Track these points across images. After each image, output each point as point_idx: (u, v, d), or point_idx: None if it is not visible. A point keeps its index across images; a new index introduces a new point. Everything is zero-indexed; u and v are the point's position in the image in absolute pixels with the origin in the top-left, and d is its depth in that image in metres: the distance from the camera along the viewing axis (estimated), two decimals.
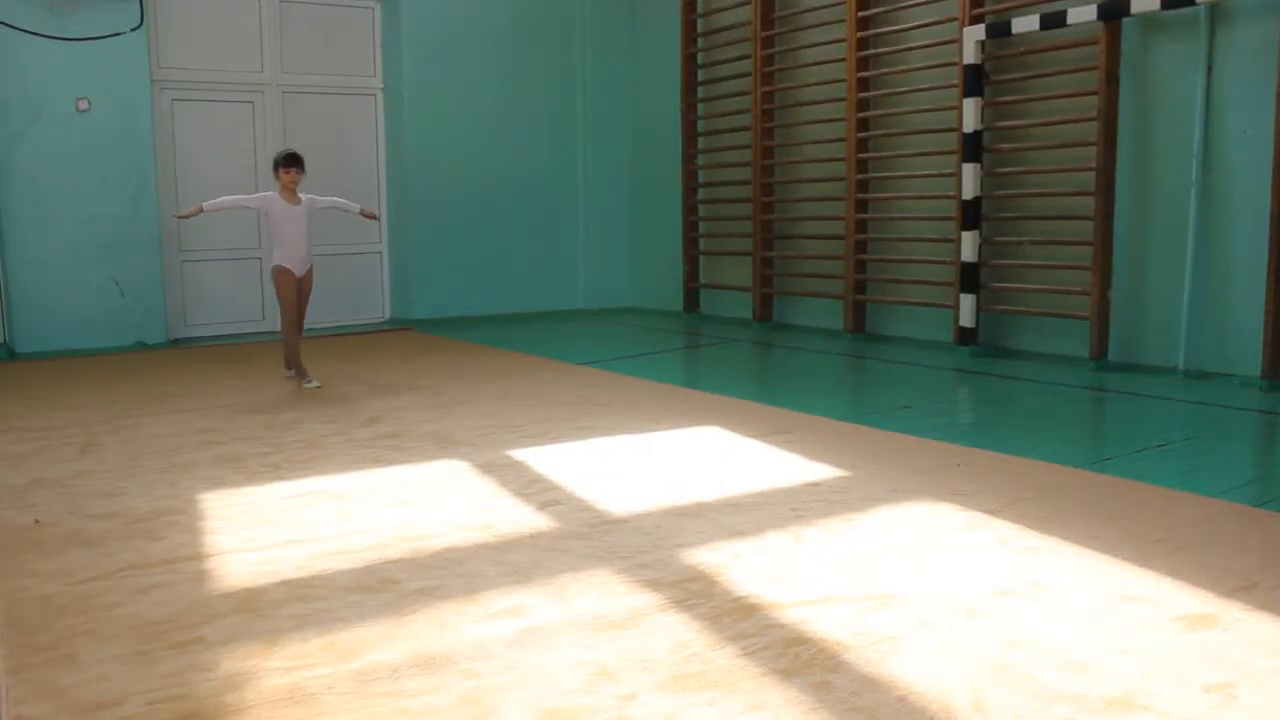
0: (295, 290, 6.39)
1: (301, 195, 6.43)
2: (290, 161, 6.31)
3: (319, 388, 6.25)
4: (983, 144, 7.27)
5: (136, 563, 3.19)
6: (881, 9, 8.07)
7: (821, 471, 4.21)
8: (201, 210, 6.21)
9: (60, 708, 2.26)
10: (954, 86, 7.42)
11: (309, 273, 6.49)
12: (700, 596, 2.86)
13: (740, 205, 9.58)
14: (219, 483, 4.15)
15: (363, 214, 6.70)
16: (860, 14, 8.11)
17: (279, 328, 6.78)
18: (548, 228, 10.46)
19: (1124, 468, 4.24)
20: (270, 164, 6.54)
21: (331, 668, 2.44)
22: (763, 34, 9.00)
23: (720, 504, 3.78)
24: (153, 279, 8.55)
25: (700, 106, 10.03)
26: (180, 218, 6.52)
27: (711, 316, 10.03)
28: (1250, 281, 6.03)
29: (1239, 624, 2.63)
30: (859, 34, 8.13)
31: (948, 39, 7.46)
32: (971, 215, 7.29)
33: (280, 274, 6.38)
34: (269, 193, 6.41)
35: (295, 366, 6.46)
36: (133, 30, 8.30)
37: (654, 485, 4.04)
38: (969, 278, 7.35)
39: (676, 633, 2.62)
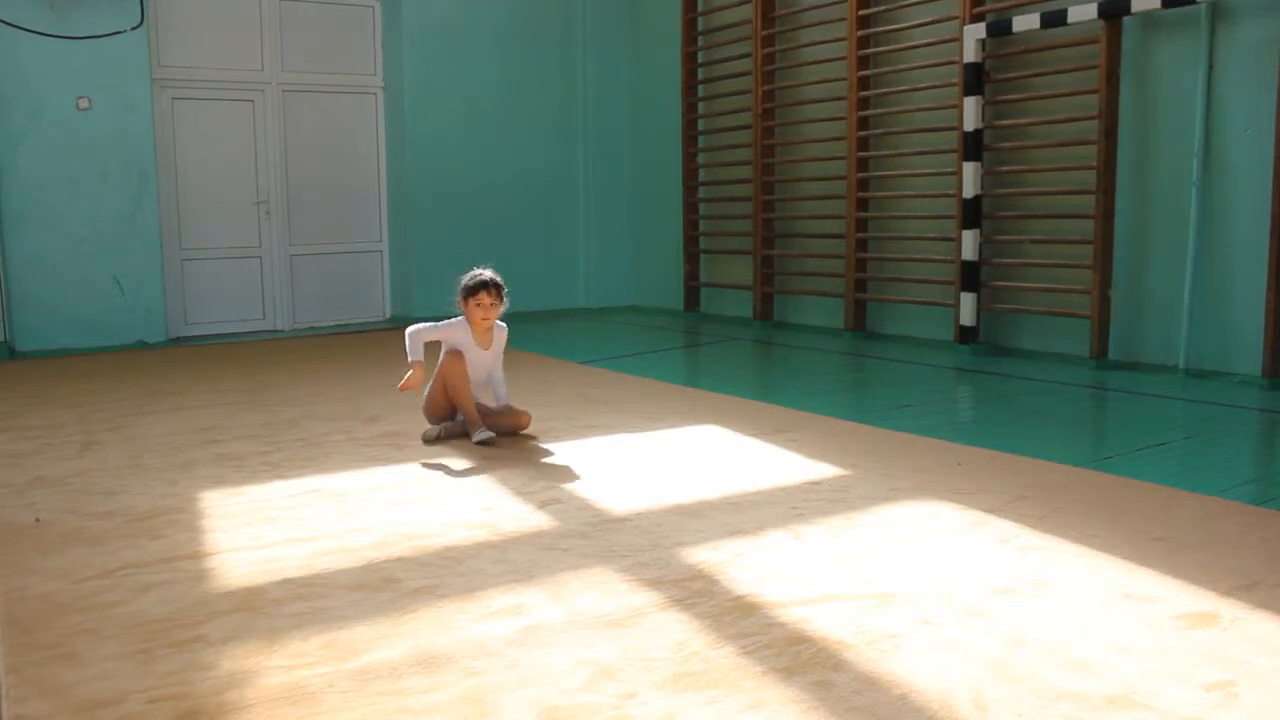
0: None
1: (497, 329, 4.98)
2: (482, 287, 4.82)
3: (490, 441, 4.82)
4: (983, 142, 7.27)
5: (137, 561, 3.19)
6: (882, 7, 8.07)
7: (822, 470, 4.21)
8: (421, 365, 4.79)
9: (61, 706, 2.26)
10: (954, 85, 7.42)
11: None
12: (701, 595, 2.86)
13: (741, 204, 9.58)
14: (219, 481, 4.15)
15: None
16: (860, 13, 8.10)
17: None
18: (548, 226, 10.46)
19: (1124, 466, 4.24)
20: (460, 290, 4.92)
21: (332, 666, 2.44)
22: (763, 33, 8.99)
23: (721, 503, 3.78)
24: (153, 277, 8.55)
25: (700, 106, 10.03)
26: (405, 389, 4.83)
27: (712, 315, 10.03)
28: (1251, 280, 6.03)
29: (1239, 622, 2.63)
30: (859, 33, 8.12)
31: (948, 37, 7.45)
32: (972, 214, 7.29)
33: (431, 389, 4.95)
34: (460, 326, 4.89)
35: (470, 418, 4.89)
36: (133, 29, 8.30)
37: (655, 484, 4.04)
38: (970, 276, 7.34)
39: (677, 631, 2.62)
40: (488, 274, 4.88)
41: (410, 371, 4.78)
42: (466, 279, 4.89)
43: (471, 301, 4.84)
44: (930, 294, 7.92)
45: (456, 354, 4.84)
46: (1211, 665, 2.39)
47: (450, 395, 4.85)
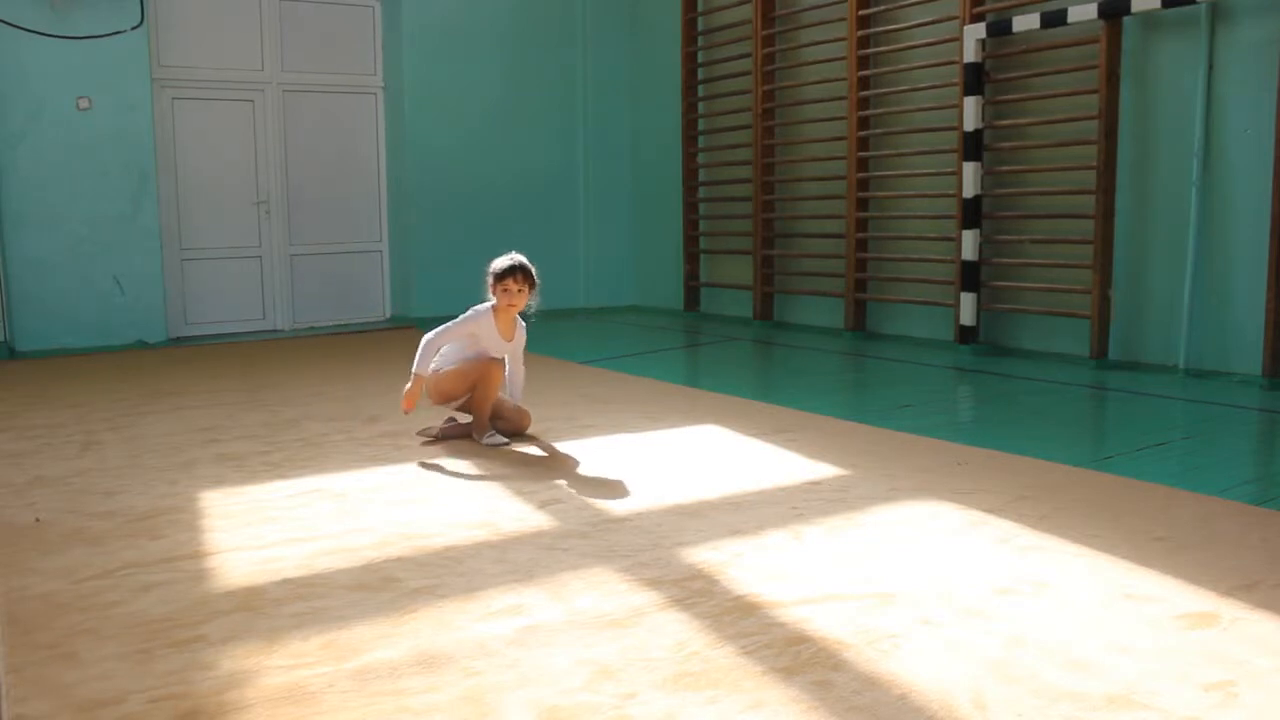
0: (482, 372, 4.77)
1: (519, 326, 4.93)
2: (509, 273, 4.73)
3: (504, 445, 4.75)
4: (983, 142, 7.27)
5: (137, 561, 3.19)
6: (882, 7, 8.07)
7: (822, 470, 4.21)
8: (421, 379, 4.71)
9: (61, 706, 2.25)
10: (954, 85, 7.42)
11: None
12: (701, 595, 2.86)
13: (741, 204, 9.58)
14: (219, 481, 4.15)
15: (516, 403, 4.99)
16: (860, 12, 8.10)
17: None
18: (548, 226, 10.46)
19: (1124, 466, 4.24)
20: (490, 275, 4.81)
21: (332, 666, 2.44)
22: (763, 33, 8.99)
23: (721, 502, 3.78)
24: (153, 277, 8.55)
25: (700, 106, 10.03)
26: (408, 406, 4.73)
27: (712, 315, 10.03)
28: (1251, 279, 6.03)
29: (1239, 622, 2.63)
30: (859, 32, 8.13)
31: (948, 37, 7.45)
32: (972, 213, 7.29)
33: (444, 374, 4.78)
34: (481, 316, 4.80)
35: (481, 418, 4.83)
36: (133, 29, 8.30)
37: (655, 484, 4.04)
38: (970, 276, 7.34)
39: (677, 631, 2.62)
40: (518, 259, 4.78)
41: (409, 385, 4.71)
42: (495, 263, 4.79)
43: (499, 286, 4.73)
44: (930, 294, 7.92)
45: (497, 363, 4.77)
46: (1211, 665, 2.39)
47: (475, 398, 4.77)
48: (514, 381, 4.97)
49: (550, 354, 7.51)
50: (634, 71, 10.73)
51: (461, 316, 4.83)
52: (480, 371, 4.76)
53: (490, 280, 4.78)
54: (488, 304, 4.82)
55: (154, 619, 2.73)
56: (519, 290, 4.75)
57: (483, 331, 4.79)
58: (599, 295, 10.80)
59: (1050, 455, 4.38)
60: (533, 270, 4.82)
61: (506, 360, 4.92)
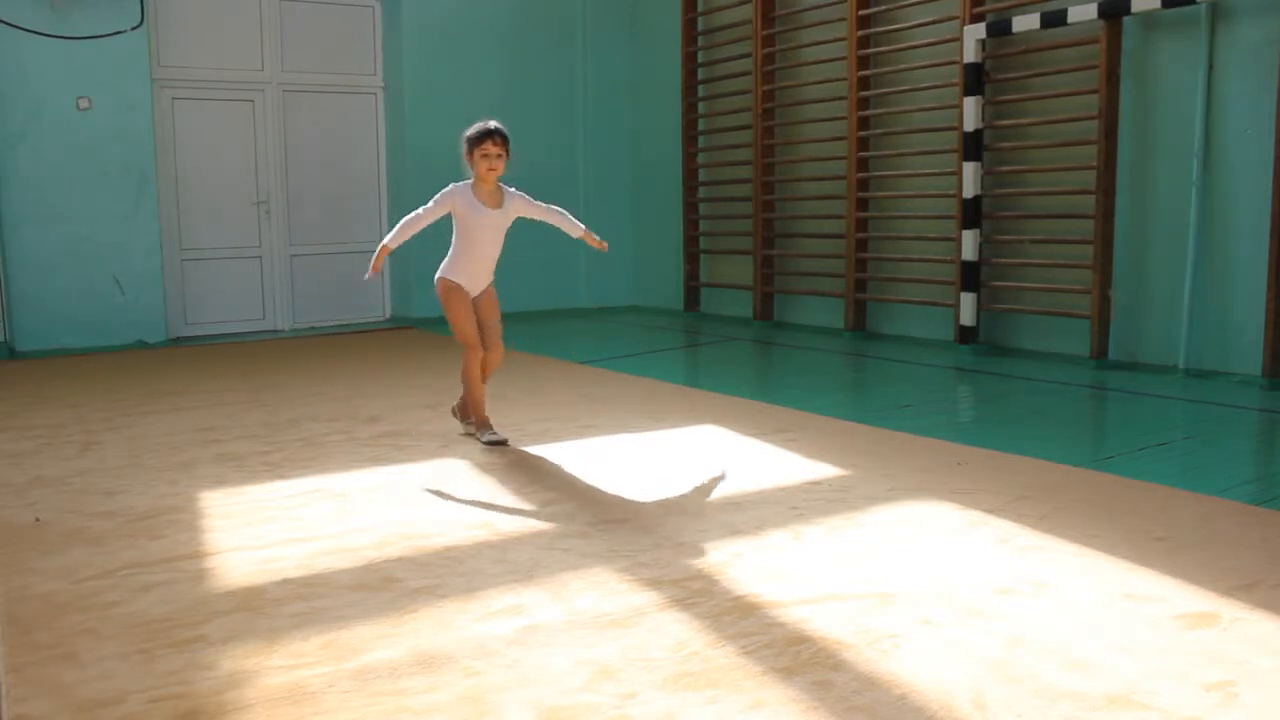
0: (471, 312, 4.75)
1: (507, 193, 4.77)
2: (488, 135, 4.55)
3: (502, 443, 4.73)
4: (983, 142, 7.27)
5: (137, 561, 3.19)
6: (882, 7, 8.07)
7: (822, 470, 4.21)
8: (388, 250, 4.62)
9: (61, 706, 2.26)
10: (955, 85, 7.42)
11: (488, 293, 4.86)
12: (701, 595, 2.86)
13: (741, 204, 9.58)
14: (219, 481, 4.15)
15: (587, 238, 5.11)
16: (861, 12, 8.10)
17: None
18: (548, 226, 10.43)
19: (1124, 466, 4.24)
20: (463, 143, 4.64)
21: (332, 666, 2.44)
22: (763, 33, 8.99)
23: (721, 502, 3.78)
24: (153, 277, 8.55)
25: (700, 106, 10.03)
26: (370, 275, 4.66)
27: (712, 315, 10.03)
28: (1251, 280, 6.03)
29: (1239, 622, 2.63)
30: (859, 32, 8.13)
31: (948, 37, 7.45)
32: (972, 214, 7.29)
33: (451, 289, 4.72)
34: (456, 188, 4.67)
35: (476, 416, 4.84)
36: (133, 29, 8.30)
37: (654, 484, 4.04)
38: (970, 276, 7.34)
39: (677, 631, 2.62)
40: (492, 123, 4.63)
41: (375, 253, 4.62)
42: (470, 130, 4.63)
43: (477, 152, 4.57)
44: (930, 294, 7.92)
45: (455, 292, 4.69)
46: (1211, 665, 2.39)
47: (465, 390, 4.81)
48: (561, 223, 4.98)
49: (550, 354, 7.51)
50: (634, 71, 10.73)
51: (436, 196, 4.69)
52: (469, 344, 4.74)
53: (466, 148, 4.61)
54: (464, 181, 4.69)
55: (154, 619, 2.73)
56: (498, 154, 4.58)
57: (462, 205, 4.63)
58: (599, 295, 10.80)
59: (1050, 455, 4.38)
60: (506, 133, 4.64)
61: (492, 224, 4.73)
